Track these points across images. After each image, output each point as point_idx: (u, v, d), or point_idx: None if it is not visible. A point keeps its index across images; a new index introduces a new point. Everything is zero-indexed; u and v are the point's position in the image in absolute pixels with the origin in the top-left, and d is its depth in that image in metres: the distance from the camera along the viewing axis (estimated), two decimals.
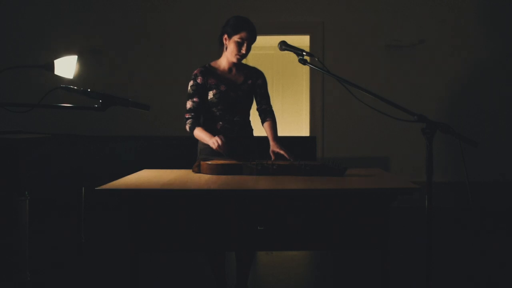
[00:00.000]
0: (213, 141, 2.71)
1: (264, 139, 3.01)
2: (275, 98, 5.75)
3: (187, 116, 2.88)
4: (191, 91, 2.88)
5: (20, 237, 3.10)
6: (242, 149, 2.87)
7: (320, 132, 6.13)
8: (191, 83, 2.89)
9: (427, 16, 6.06)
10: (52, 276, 3.49)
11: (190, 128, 2.85)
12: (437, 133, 1.95)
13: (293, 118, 7.86)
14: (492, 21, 6.03)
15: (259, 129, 3.20)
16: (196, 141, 2.95)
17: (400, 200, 2.34)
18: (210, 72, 2.90)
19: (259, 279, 3.53)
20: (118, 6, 6.18)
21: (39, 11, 6.17)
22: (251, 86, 2.96)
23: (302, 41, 5.94)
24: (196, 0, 6.18)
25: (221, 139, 2.68)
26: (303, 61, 2.39)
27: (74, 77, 2.68)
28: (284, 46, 2.54)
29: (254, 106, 3.04)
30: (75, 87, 2.16)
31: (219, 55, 2.96)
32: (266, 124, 3.01)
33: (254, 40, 2.85)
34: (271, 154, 2.83)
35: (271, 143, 2.89)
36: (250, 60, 6.52)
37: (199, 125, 2.85)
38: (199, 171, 2.60)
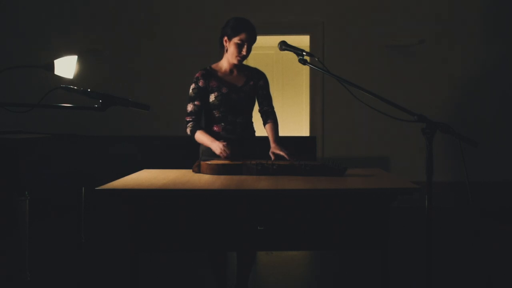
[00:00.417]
0: (216, 148, 2.71)
1: (267, 139, 3.01)
2: (275, 98, 5.79)
3: (187, 119, 2.87)
4: (192, 94, 2.87)
5: (20, 237, 3.10)
6: (244, 150, 2.86)
7: (320, 132, 6.13)
8: (192, 86, 2.88)
9: (427, 16, 6.06)
10: (52, 276, 3.49)
11: (191, 131, 2.84)
12: (437, 133, 1.95)
13: (293, 118, 7.86)
14: (492, 21, 6.03)
15: (262, 130, 3.20)
16: (197, 142, 2.95)
17: (400, 200, 2.34)
18: (212, 75, 2.89)
19: (259, 279, 3.53)
20: (118, 6, 6.18)
21: (39, 11, 6.17)
22: (253, 87, 2.95)
23: (302, 41, 5.94)
24: (196, 0, 6.19)
25: (225, 146, 2.68)
26: (303, 61, 2.39)
27: (74, 77, 2.67)
28: (284, 46, 2.54)
29: (256, 107, 3.03)
30: (75, 87, 2.16)
31: (219, 56, 2.96)
32: (267, 126, 3.00)
33: (254, 41, 2.85)
34: (271, 155, 2.83)
35: (272, 144, 2.88)
36: (250, 60, 6.51)
37: (200, 128, 2.85)
38: (199, 171, 2.60)
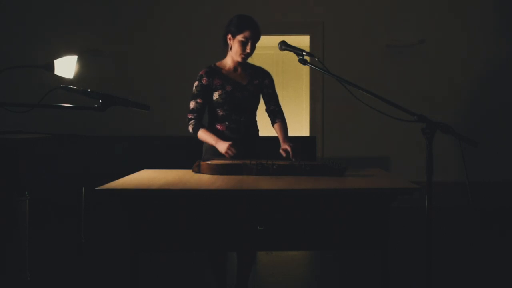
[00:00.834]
0: (221, 148, 2.70)
1: (271, 139, 3.01)
2: None
3: (189, 117, 2.86)
4: (195, 92, 2.86)
5: (20, 237, 3.10)
6: (247, 150, 2.85)
7: (320, 132, 6.13)
8: (196, 83, 2.87)
9: (427, 16, 6.06)
10: (52, 276, 3.49)
11: (193, 129, 2.84)
12: (437, 133, 1.95)
13: (293, 118, 7.86)
14: (492, 21, 6.03)
15: (265, 129, 3.19)
16: (198, 141, 2.94)
17: (400, 200, 2.34)
18: (216, 73, 2.88)
19: (259, 279, 3.53)
20: (118, 6, 6.19)
21: (39, 11, 6.17)
22: (257, 86, 2.94)
23: (302, 41, 5.94)
24: (197, 1, 6.19)
25: (231, 146, 2.68)
26: (303, 61, 2.39)
27: (74, 77, 2.67)
28: (284, 46, 2.54)
29: (261, 106, 3.02)
30: (75, 87, 2.16)
31: (223, 55, 2.95)
32: (276, 125, 2.98)
33: (258, 38, 2.84)
34: (282, 152, 2.80)
35: (281, 143, 2.86)
36: (249, 60, 6.51)
37: (202, 127, 2.84)
38: (199, 171, 2.60)
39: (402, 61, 6.08)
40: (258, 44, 2.87)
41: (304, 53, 2.40)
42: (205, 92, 2.85)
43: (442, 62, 6.06)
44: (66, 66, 2.62)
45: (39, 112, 3.20)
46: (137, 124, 5.75)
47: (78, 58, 2.69)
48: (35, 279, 3.20)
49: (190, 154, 3.09)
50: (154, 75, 6.18)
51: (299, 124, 7.93)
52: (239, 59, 2.84)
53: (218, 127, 2.87)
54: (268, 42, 6.71)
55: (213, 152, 2.82)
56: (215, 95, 2.84)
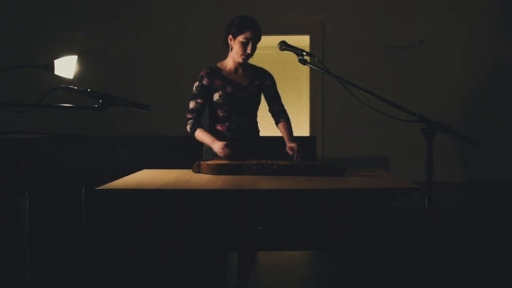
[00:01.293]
0: (216, 148, 2.70)
1: (271, 139, 3.01)
2: None
3: (188, 116, 2.86)
4: (195, 92, 2.86)
5: (20, 237, 3.10)
6: (247, 150, 2.85)
7: (320, 132, 6.13)
8: (196, 83, 2.87)
9: (427, 16, 6.06)
10: (52, 276, 3.49)
11: (191, 129, 2.84)
12: (437, 133, 1.95)
13: (293, 118, 7.84)
14: (492, 21, 6.03)
15: (266, 129, 3.19)
16: (198, 141, 2.94)
17: (400, 200, 2.34)
18: (216, 73, 2.88)
19: (259, 279, 3.53)
20: (118, 6, 6.18)
21: (39, 11, 6.17)
22: (258, 87, 2.94)
23: (302, 41, 5.94)
24: (197, 1, 6.19)
25: (225, 146, 2.67)
26: (303, 61, 2.39)
27: (74, 77, 2.67)
28: (284, 46, 2.54)
29: (262, 107, 3.01)
30: (75, 87, 2.16)
31: (221, 56, 2.95)
32: (280, 125, 2.97)
33: (259, 39, 2.84)
34: (289, 151, 2.80)
35: (287, 144, 2.85)
36: (250, 60, 6.51)
37: (200, 127, 2.84)
38: (199, 171, 2.60)
39: (402, 61, 6.08)
40: (258, 44, 2.87)
41: (304, 53, 2.40)
42: (205, 93, 2.85)
43: (442, 62, 6.06)
44: (66, 66, 2.62)
45: (39, 112, 3.20)
46: (137, 124, 5.75)
47: (78, 58, 2.69)
48: (35, 279, 3.20)
49: (190, 154, 3.09)
50: (154, 75, 6.18)
51: (299, 124, 7.92)
52: (240, 60, 2.84)
53: (219, 127, 2.87)
54: (268, 42, 6.71)
55: (214, 152, 2.82)
56: (216, 96, 2.84)
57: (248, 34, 2.78)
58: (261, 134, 3.04)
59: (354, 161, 5.91)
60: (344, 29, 6.12)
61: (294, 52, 2.45)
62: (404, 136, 5.88)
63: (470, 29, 6.02)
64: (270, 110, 3.01)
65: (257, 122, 3.00)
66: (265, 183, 2.29)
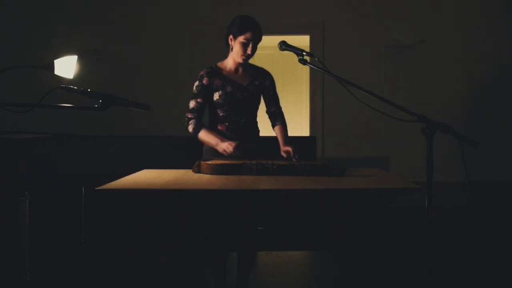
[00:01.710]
0: (227, 147, 2.69)
1: (271, 139, 3.01)
2: None
3: (189, 116, 2.85)
4: (195, 91, 2.86)
5: (20, 237, 3.10)
6: (247, 150, 2.85)
7: (320, 132, 6.13)
8: (196, 83, 2.86)
9: (427, 16, 6.06)
10: (52, 276, 3.49)
11: (194, 129, 2.82)
12: (437, 133, 1.95)
13: (293, 118, 7.86)
14: (492, 22, 6.03)
15: (266, 129, 3.19)
16: (198, 141, 2.94)
17: (400, 200, 2.34)
18: (216, 73, 2.88)
19: (259, 279, 3.53)
20: (118, 6, 6.19)
21: (39, 11, 6.17)
22: (258, 87, 2.93)
23: (302, 41, 5.94)
24: (196, 1, 6.19)
25: (232, 146, 2.66)
26: (303, 61, 2.39)
27: (74, 77, 2.67)
28: (284, 46, 2.54)
29: (262, 107, 3.01)
30: (75, 87, 2.16)
31: (224, 55, 2.95)
32: (276, 128, 2.98)
33: (259, 39, 2.83)
34: (283, 153, 2.81)
35: (281, 145, 2.87)
36: (250, 60, 6.51)
37: (204, 127, 2.82)
38: (199, 171, 2.60)
39: (402, 61, 6.08)
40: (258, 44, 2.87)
41: (304, 53, 2.40)
42: (205, 92, 2.85)
43: (442, 62, 6.06)
44: (66, 66, 2.62)
45: (39, 112, 3.20)
46: (137, 124, 5.75)
47: (78, 58, 2.69)
48: (35, 279, 3.20)
49: (190, 154, 3.09)
50: (154, 75, 6.18)
51: (299, 124, 7.93)
52: (240, 60, 2.83)
53: (219, 127, 2.87)
54: (268, 42, 6.72)
55: (213, 152, 2.82)
56: (216, 96, 2.83)
57: (248, 34, 2.77)
58: (261, 134, 3.04)
59: (354, 161, 5.90)
60: (344, 29, 6.12)
61: (294, 52, 2.45)
62: (404, 136, 5.88)
63: (470, 29, 6.02)
64: (267, 112, 3.02)
65: (257, 122, 3.00)
66: (265, 183, 2.29)
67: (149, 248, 2.18)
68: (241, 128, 2.87)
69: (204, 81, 2.85)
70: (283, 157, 2.78)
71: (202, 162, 2.61)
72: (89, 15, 6.18)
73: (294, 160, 2.68)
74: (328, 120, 6.14)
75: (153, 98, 5.57)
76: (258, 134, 3.01)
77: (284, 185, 2.24)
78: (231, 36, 2.83)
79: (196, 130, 2.82)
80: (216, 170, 2.54)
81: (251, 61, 2.93)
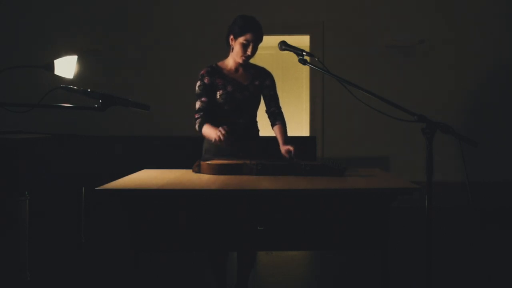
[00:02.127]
0: (214, 137, 2.64)
1: (270, 139, 3.01)
2: None
3: (196, 116, 2.85)
4: (199, 91, 2.86)
5: (20, 237, 3.10)
6: (247, 150, 2.85)
7: (320, 132, 6.13)
8: (198, 83, 2.86)
9: (427, 16, 6.06)
10: (52, 276, 3.49)
11: (199, 127, 2.82)
12: (437, 133, 1.95)
13: (293, 118, 7.86)
14: (492, 22, 6.03)
15: (266, 129, 3.19)
16: (198, 141, 2.94)
17: (400, 200, 2.34)
18: (217, 72, 2.88)
19: (259, 279, 3.53)
20: (118, 6, 6.18)
21: (39, 11, 6.17)
22: (258, 87, 2.94)
23: (302, 41, 5.94)
24: (196, 1, 6.19)
25: (223, 130, 2.59)
26: (303, 61, 2.39)
27: (74, 77, 2.67)
28: (284, 46, 2.54)
29: (262, 106, 3.01)
30: (75, 87, 2.16)
31: (222, 55, 2.95)
32: (276, 128, 2.98)
33: (260, 40, 2.83)
34: (285, 154, 2.82)
35: (280, 145, 2.87)
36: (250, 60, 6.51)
37: (207, 123, 2.79)
38: (199, 171, 2.60)
39: (402, 61, 6.08)
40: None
41: (304, 53, 2.40)
42: (208, 91, 2.84)
43: (442, 62, 6.06)
44: (66, 66, 2.62)
45: (39, 112, 3.20)
46: (137, 124, 5.75)
47: (78, 58, 2.69)
48: (35, 279, 3.20)
49: (190, 154, 3.09)
50: (154, 75, 6.17)
51: (299, 124, 7.92)
52: (240, 60, 2.84)
53: (219, 126, 2.87)
54: (268, 42, 6.72)
55: (214, 152, 2.82)
56: (217, 95, 2.84)
57: (249, 36, 2.77)
58: (261, 134, 3.04)
59: (354, 161, 5.91)
60: (344, 29, 6.11)
61: (294, 52, 2.45)
62: (404, 136, 5.88)
63: (470, 29, 6.02)
64: (267, 111, 3.01)
65: (256, 122, 3.00)
66: (265, 183, 2.29)
67: (149, 248, 2.18)
68: (241, 128, 2.87)
69: (206, 80, 2.85)
70: (282, 157, 2.78)
71: (202, 162, 2.61)
72: (89, 15, 6.17)
73: (295, 159, 2.68)
74: (328, 120, 6.14)
75: (153, 98, 5.57)
76: (258, 133, 3.01)
77: (284, 185, 2.24)
78: (231, 36, 2.83)
79: (200, 127, 2.81)
80: (216, 170, 2.53)
81: (252, 60, 2.93)
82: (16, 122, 4.33)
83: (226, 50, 2.92)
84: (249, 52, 2.81)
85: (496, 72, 6.01)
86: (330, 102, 6.09)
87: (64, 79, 2.64)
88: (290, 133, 3.04)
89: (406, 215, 5.04)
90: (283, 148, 2.83)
